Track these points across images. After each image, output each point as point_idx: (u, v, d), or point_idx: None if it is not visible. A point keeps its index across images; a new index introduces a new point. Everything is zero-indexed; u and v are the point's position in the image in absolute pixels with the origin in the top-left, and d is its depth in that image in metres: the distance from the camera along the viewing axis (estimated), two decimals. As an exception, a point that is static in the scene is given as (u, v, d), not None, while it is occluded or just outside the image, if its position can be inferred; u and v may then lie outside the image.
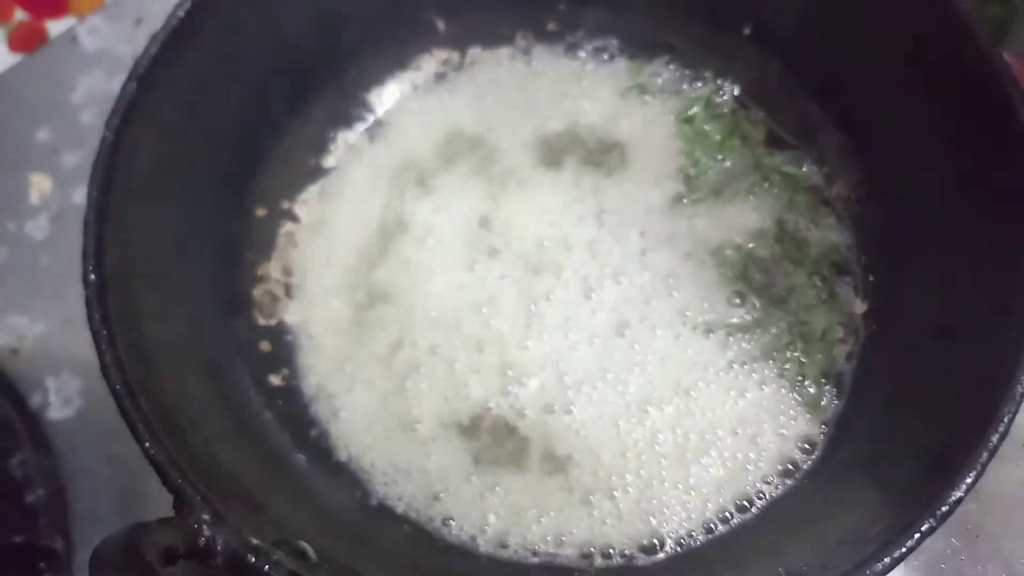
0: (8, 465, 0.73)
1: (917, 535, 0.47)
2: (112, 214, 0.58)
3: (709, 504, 0.66)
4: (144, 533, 0.45)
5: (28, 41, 0.98)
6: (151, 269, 0.62)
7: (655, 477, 0.67)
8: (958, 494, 0.48)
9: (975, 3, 0.81)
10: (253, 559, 0.48)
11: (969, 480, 0.48)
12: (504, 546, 0.66)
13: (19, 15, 1.00)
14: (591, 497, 0.66)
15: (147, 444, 0.51)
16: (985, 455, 0.49)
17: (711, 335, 0.70)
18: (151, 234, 0.63)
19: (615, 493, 0.66)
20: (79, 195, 0.85)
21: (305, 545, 0.53)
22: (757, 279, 0.72)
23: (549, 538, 0.66)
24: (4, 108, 0.91)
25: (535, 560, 0.65)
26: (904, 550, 0.47)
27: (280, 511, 0.58)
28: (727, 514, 0.65)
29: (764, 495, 0.65)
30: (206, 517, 0.49)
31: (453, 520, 0.67)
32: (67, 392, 0.80)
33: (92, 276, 0.55)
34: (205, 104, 0.67)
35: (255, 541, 0.49)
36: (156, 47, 0.62)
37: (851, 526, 0.55)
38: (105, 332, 0.54)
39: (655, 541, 0.65)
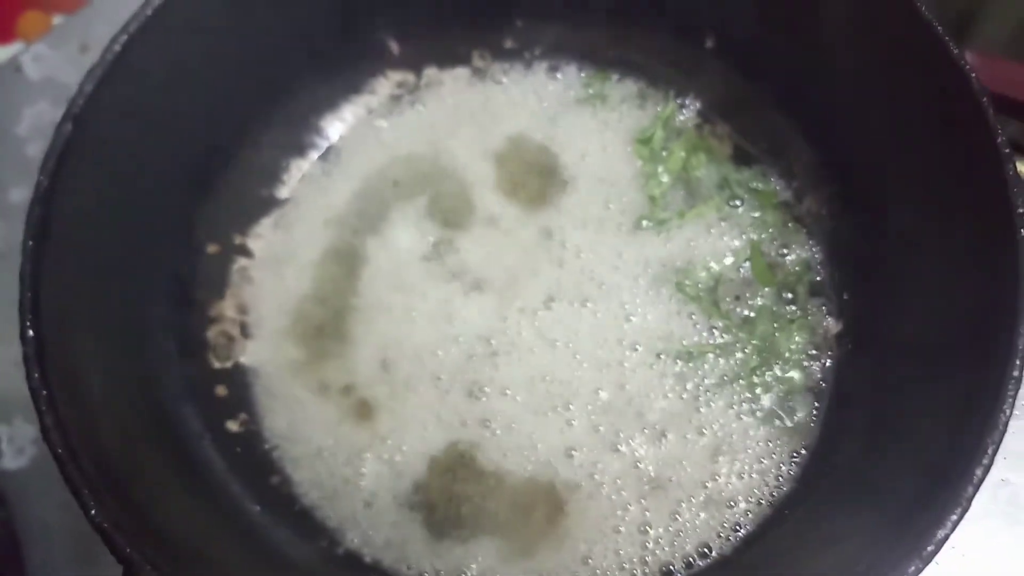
0: (-41, 519, 0.70)
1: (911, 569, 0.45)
2: (50, 263, 0.55)
3: (684, 541, 0.64)
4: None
5: (-31, 66, 0.95)
6: (95, 318, 0.59)
7: (620, 517, 0.65)
8: (944, 532, 0.46)
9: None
10: (208, 633, 0.45)
11: (955, 517, 0.46)
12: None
13: (-40, 43, 0.96)
14: (565, 539, 0.65)
15: (92, 512, 0.48)
16: (970, 490, 0.47)
17: (678, 362, 0.69)
18: (93, 280, 0.60)
19: (596, 539, 0.65)
20: None
21: (266, 607, 0.51)
22: (726, 301, 0.70)
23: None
24: (-56, 141, 0.87)
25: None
26: (891, 595, 0.45)
27: (238, 570, 0.56)
28: (704, 548, 0.63)
29: (742, 527, 0.63)
30: (156, 585, 0.46)
31: (434, 570, 0.64)
32: (20, 440, 0.76)
33: (30, 332, 0.53)
34: (148, 139, 0.64)
35: (209, 608, 0.46)
36: (91, 84, 0.59)
37: (834, 563, 0.53)
38: (45, 392, 0.51)
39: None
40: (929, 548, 0.46)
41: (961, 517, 0.47)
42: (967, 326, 0.56)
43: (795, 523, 0.61)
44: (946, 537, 0.46)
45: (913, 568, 0.45)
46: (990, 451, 0.48)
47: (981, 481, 0.47)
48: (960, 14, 0.85)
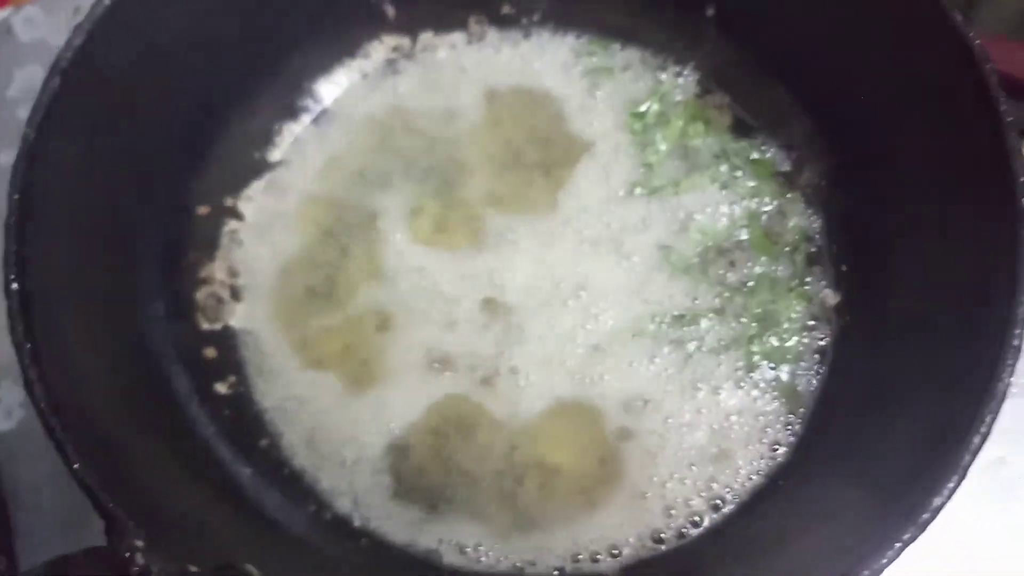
0: (-54, 481, 0.69)
1: (898, 544, 0.45)
2: (36, 218, 0.54)
3: (676, 508, 0.63)
4: (67, 567, 0.41)
5: (-40, 29, 0.93)
6: (81, 275, 0.58)
7: (616, 482, 0.64)
8: (940, 500, 0.46)
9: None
10: (191, 590, 0.45)
11: (951, 485, 0.46)
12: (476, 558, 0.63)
13: (-51, 4, 0.95)
14: (562, 510, 0.64)
15: (76, 466, 0.47)
16: (967, 458, 0.46)
17: (670, 327, 0.68)
18: (81, 237, 0.59)
19: (585, 501, 0.64)
20: None
21: (251, 569, 0.50)
22: (718, 268, 0.69)
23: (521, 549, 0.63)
24: (-68, 102, 0.86)
25: (502, 569, 0.63)
26: (884, 561, 0.45)
27: (225, 532, 0.55)
28: (696, 518, 0.63)
29: (735, 497, 0.63)
30: (139, 544, 0.46)
31: (423, 535, 0.64)
32: (8, 403, 0.76)
33: (14, 286, 0.52)
34: (138, 97, 0.63)
35: (193, 569, 0.46)
36: (80, 38, 0.58)
37: (829, 536, 0.52)
38: (29, 346, 0.50)
39: (619, 547, 0.62)
40: (924, 516, 0.45)
41: (958, 485, 0.46)
42: (966, 296, 0.55)
43: (789, 493, 0.61)
44: (942, 505, 0.46)
45: (908, 535, 0.45)
46: (988, 419, 0.47)
47: (978, 449, 0.47)
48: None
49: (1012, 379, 0.48)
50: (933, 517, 0.46)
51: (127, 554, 0.45)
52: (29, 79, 0.86)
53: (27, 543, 0.71)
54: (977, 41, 0.56)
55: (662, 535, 0.63)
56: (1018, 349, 0.48)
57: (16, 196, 0.54)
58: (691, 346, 0.67)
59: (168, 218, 0.69)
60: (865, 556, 0.45)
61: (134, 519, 0.47)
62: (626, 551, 0.62)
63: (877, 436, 0.57)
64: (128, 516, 0.46)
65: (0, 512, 0.71)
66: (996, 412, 0.47)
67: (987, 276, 0.53)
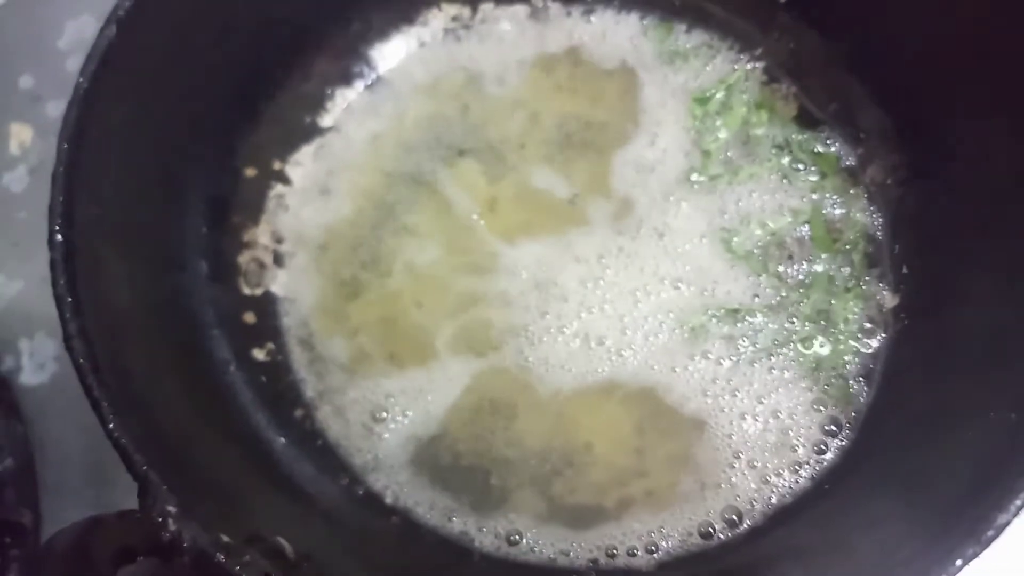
0: (-26, 432, 0.69)
1: (959, 561, 0.43)
2: (84, 169, 0.53)
3: (716, 507, 0.62)
4: (99, 529, 0.40)
5: (14, -21, 0.93)
6: (126, 231, 0.58)
7: (656, 476, 0.63)
8: (1006, 518, 0.43)
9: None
10: (222, 558, 0.43)
11: (1019, 502, 0.44)
12: (510, 544, 0.62)
13: (3, -48, 0.94)
14: (602, 500, 0.63)
15: (111, 425, 0.46)
16: (1035, 474, 0.44)
17: (723, 321, 0.66)
18: (128, 192, 0.58)
19: (627, 493, 0.63)
20: None
21: (282, 542, 0.49)
22: (780, 265, 0.67)
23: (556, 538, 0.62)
24: (-15, 52, 0.85)
25: (534, 559, 0.61)
26: (942, 578, 0.43)
27: (257, 502, 0.55)
28: (735, 517, 0.61)
29: (779, 500, 0.61)
30: (172, 509, 0.45)
31: (456, 516, 0.63)
32: (41, 356, 0.75)
33: (59, 237, 0.51)
34: (193, 53, 0.62)
35: (225, 538, 0.45)
36: (139, -13, 0.56)
37: (879, 545, 0.50)
38: (70, 299, 0.50)
39: (657, 544, 0.61)
40: (989, 533, 0.43)
41: (1017, 513, 0.44)
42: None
43: (835, 499, 0.59)
44: (1007, 523, 0.43)
45: (971, 552, 0.43)
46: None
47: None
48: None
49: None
50: (997, 534, 0.43)
51: (159, 519, 0.44)
52: (80, 30, 0.86)
53: (53, 499, 0.71)
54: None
55: (700, 533, 0.61)
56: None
57: (65, 146, 0.53)
58: (743, 341, 0.65)
59: (216, 178, 0.68)
60: (924, 571, 0.43)
61: (167, 483, 0.45)
62: (663, 548, 0.61)
63: (935, 447, 0.55)
64: (162, 480, 0.45)
65: (27, 467, 0.71)
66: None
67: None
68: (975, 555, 0.43)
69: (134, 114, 0.58)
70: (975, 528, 0.44)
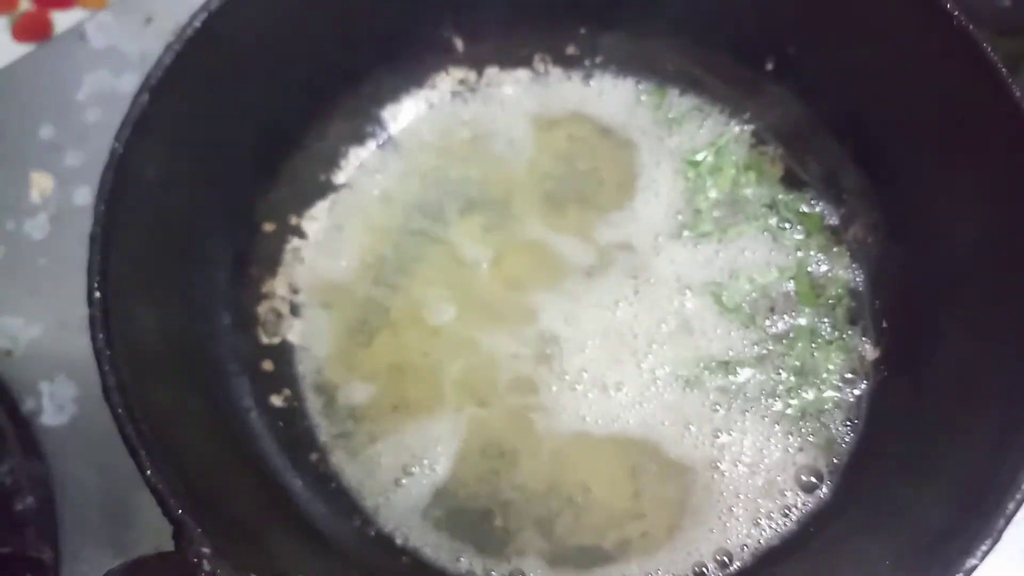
0: (-2, 472, 0.71)
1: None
2: (118, 228, 0.56)
3: (708, 550, 0.65)
4: (144, 569, 0.44)
5: (33, 31, 0.96)
6: (156, 286, 0.61)
7: (661, 520, 0.66)
8: (973, 562, 0.47)
9: (991, 38, 0.81)
10: (253, 596, 0.47)
11: (985, 548, 0.47)
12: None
13: (24, 4, 0.98)
14: (600, 541, 0.66)
15: (148, 472, 0.50)
16: (1002, 522, 0.48)
17: (711, 375, 0.70)
18: (156, 249, 0.61)
19: (624, 535, 0.66)
20: (80, 196, 0.84)
21: (304, 580, 0.52)
22: (767, 319, 0.71)
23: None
24: (7, 102, 0.88)
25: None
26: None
27: (279, 543, 0.57)
28: (725, 559, 0.64)
29: (766, 543, 0.65)
30: (206, 551, 0.48)
31: (464, 557, 0.66)
32: (61, 398, 0.78)
33: (97, 294, 0.54)
34: (218, 117, 0.66)
35: (254, 577, 0.48)
36: (170, 58, 0.60)
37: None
38: (108, 353, 0.52)
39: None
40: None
41: (991, 548, 0.48)
42: (1009, 361, 0.57)
43: (820, 542, 0.62)
44: (974, 567, 0.47)
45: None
46: (1024, 485, 0.49)
47: (1013, 515, 0.48)
48: (1012, 55, 0.86)
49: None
50: (967, 576, 0.47)
51: (195, 560, 0.47)
52: (98, 83, 0.89)
53: (73, 536, 0.73)
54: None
55: (693, 573, 0.64)
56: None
57: (103, 207, 0.56)
58: (734, 391, 0.69)
59: (236, 233, 0.71)
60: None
61: (201, 526, 0.49)
62: (658, 587, 0.64)
63: (912, 492, 0.59)
64: (196, 523, 0.48)
65: (47, 505, 0.73)
66: (1034, 477, 0.49)
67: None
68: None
69: (163, 175, 0.61)
70: (946, 572, 0.48)
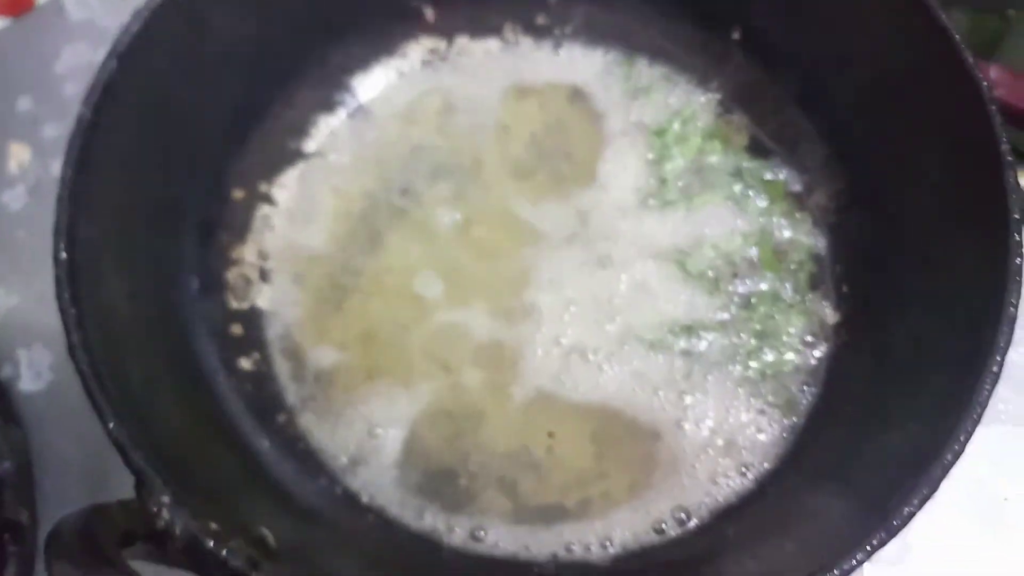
0: (-25, 436, 0.72)
1: (868, 547, 0.48)
2: (86, 193, 0.58)
3: (667, 507, 0.67)
4: (102, 515, 0.45)
5: (14, 4, 0.97)
6: (124, 249, 0.62)
7: (623, 479, 0.68)
8: (911, 509, 0.49)
9: (969, 15, 0.82)
10: (211, 543, 0.48)
11: (924, 494, 0.49)
12: (476, 539, 0.66)
13: (6, -23, 0.98)
14: (563, 499, 0.68)
15: (111, 425, 0.51)
16: (940, 472, 0.50)
17: (676, 339, 0.71)
18: (125, 214, 0.62)
19: (586, 494, 0.68)
20: (58, 167, 0.81)
21: (265, 532, 0.53)
22: (730, 284, 0.72)
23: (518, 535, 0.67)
24: (-14, 75, 0.90)
25: (499, 553, 0.66)
26: (855, 562, 0.48)
27: (243, 498, 0.59)
28: (683, 515, 0.66)
29: (724, 500, 0.66)
30: (166, 500, 0.49)
31: (428, 515, 0.67)
32: (38, 365, 0.79)
33: (63, 255, 0.55)
34: (187, 84, 0.66)
35: (214, 526, 0.49)
36: (138, 24, 0.61)
37: (809, 536, 0.55)
38: (74, 312, 0.54)
39: (612, 539, 0.66)
40: (896, 522, 0.49)
41: (929, 496, 0.49)
42: (957, 324, 0.58)
43: (775, 499, 0.64)
44: (912, 514, 0.49)
45: (878, 540, 0.48)
46: (962, 438, 0.50)
47: (951, 465, 0.50)
48: (993, 33, 0.87)
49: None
50: (903, 524, 0.49)
51: (155, 508, 0.48)
52: (77, 55, 0.90)
53: (49, 500, 0.74)
54: (985, 83, 0.59)
55: (652, 530, 0.66)
56: (996, 376, 0.51)
57: (70, 172, 0.57)
58: (696, 355, 0.71)
59: (206, 200, 0.72)
60: (837, 556, 0.49)
61: (162, 477, 0.50)
62: (617, 543, 0.65)
63: (865, 450, 0.60)
64: (156, 474, 0.50)
65: (25, 469, 0.75)
66: (971, 432, 0.50)
67: (976, 305, 0.56)
68: (883, 543, 0.49)
69: (131, 142, 0.62)
70: (886, 518, 0.49)
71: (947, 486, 0.51)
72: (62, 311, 0.54)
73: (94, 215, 0.58)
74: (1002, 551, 0.70)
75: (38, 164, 0.86)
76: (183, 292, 0.69)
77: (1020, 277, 0.54)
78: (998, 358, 0.52)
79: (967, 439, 0.50)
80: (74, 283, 0.55)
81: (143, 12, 0.61)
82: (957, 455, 0.50)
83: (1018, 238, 0.55)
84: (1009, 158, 0.57)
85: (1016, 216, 0.55)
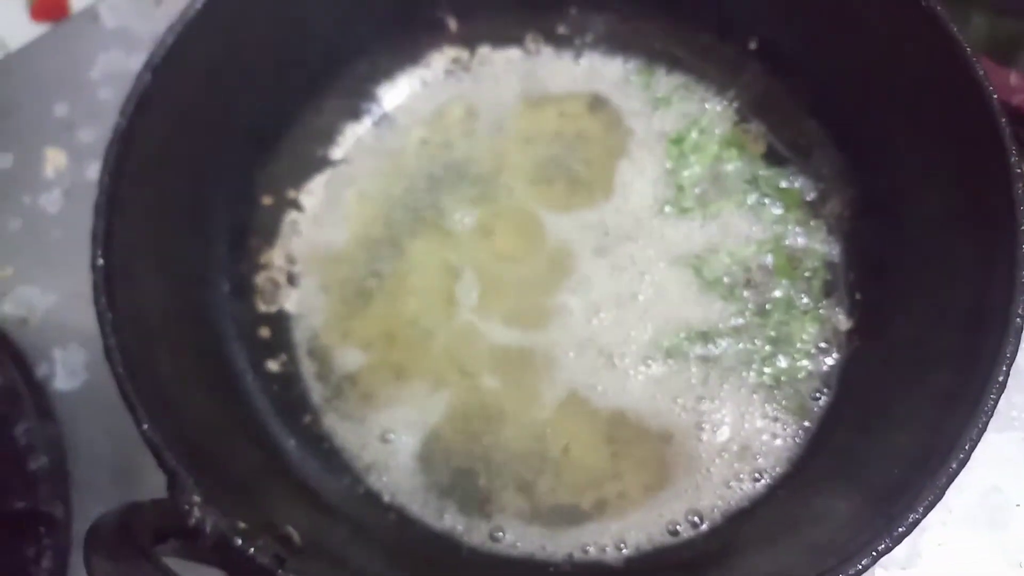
0: (13, 432, 0.75)
1: (874, 552, 0.49)
2: (122, 199, 0.60)
3: (681, 510, 0.68)
4: (138, 513, 0.47)
5: (50, 11, 0.99)
6: (157, 254, 0.64)
7: (638, 481, 0.69)
8: (916, 516, 0.50)
9: (990, 20, 0.82)
10: (239, 541, 0.50)
11: (928, 502, 0.50)
12: (494, 540, 0.68)
13: (40, -16, 1.01)
14: (579, 501, 0.69)
15: (145, 426, 0.53)
16: (944, 480, 0.51)
17: (691, 345, 0.72)
18: (159, 219, 0.64)
19: (602, 495, 0.69)
20: (92, 171, 0.86)
21: (291, 530, 0.55)
22: (745, 291, 0.73)
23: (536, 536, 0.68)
24: (23, 81, 0.92)
25: (516, 553, 0.67)
26: (860, 567, 0.49)
27: (270, 496, 0.60)
28: (696, 519, 0.67)
29: (736, 504, 0.67)
30: (197, 499, 0.51)
31: (448, 514, 0.69)
32: (73, 364, 0.81)
33: (100, 261, 0.57)
34: (219, 94, 0.69)
35: (242, 525, 0.51)
36: (172, 38, 0.63)
37: (817, 538, 0.57)
38: (110, 316, 0.56)
39: (626, 541, 0.67)
40: (900, 529, 0.50)
41: (934, 504, 0.50)
42: (967, 332, 0.59)
43: (785, 502, 0.65)
44: (917, 521, 0.50)
45: (883, 546, 0.49)
46: (967, 447, 0.51)
47: (956, 473, 0.51)
48: (1012, 39, 0.87)
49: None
50: (908, 531, 0.50)
51: (186, 507, 0.50)
52: (111, 63, 0.92)
53: (83, 495, 0.77)
54: (995, 94, 0.60)
55: (665, 531, 0.67)
56: (1003, 385, 0.53)
57: (107, 179, 0.59)
58: (712, 361, 0.72)
59: (236, 205, 0.74)
60: (843, 561, 0.50)
61: (193, 477, 0.52)
62: (631, 545, 0.67)
63: (874, 454, 0.61)
64: (188, 474, 0.52)
65: (60, 464, 0.77)
66: (976, 440, 0.51)
67: (984, 315, 0.57)
68: (888, 549, 0.49)
69: (165, 150, 0.64)
70: (890, 524, 0.50)
71: (958, 491, 0.52)
72: (99, 315, 0.56)
73: (129, 221, 0.60)
74: (1013, 557, 0.70)
75: (74, 168, 0.89)
76: (214, 295, 0.71)
77: (1028, 289, 0.55)
78: (1004, 368, 0.53)
79: (972, 447, 0.51)
80: (110, 288, 0.57)
81: (177, 25, 0.63)
82: (962, 463, 0.51)
83: (1026, 250, 0.56)
84: (1018, 170, 0.58)
85: (1024, 228, 0.56)
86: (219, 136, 0.70)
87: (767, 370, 0.71)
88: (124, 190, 0.60)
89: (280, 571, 0.50)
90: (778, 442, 0.69)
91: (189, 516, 0.50)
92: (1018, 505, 0.72)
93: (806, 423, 0.69)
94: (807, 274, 0.74)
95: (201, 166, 0.69)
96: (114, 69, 0.92)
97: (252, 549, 0.50)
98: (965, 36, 0.61)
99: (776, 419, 0.70)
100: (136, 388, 0.54)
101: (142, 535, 0.45)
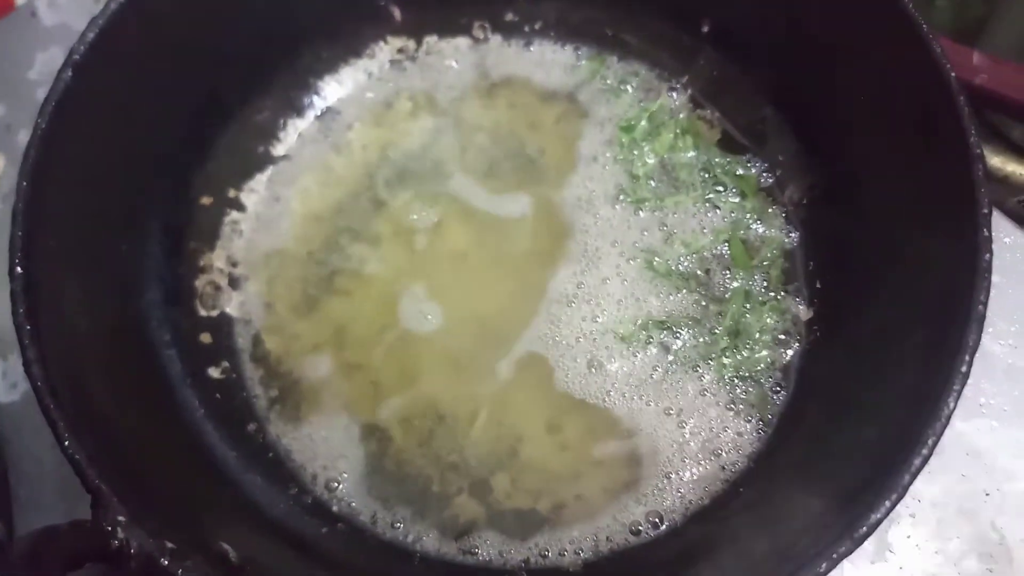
0: (-48, 448, 0.72)
1: (834, 556, 0.47)
2: (44, 205, 0.57)
3: (641, 510, 0.66)
4: (53, 537, 0.44)
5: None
6: (85, 260, 0.61)
7: (596, 482, 0.67)
8: (877, 517, 0.48)
9: (954, 1, 0.81)
10: (166, 562, 0.48)
11: (889, 503, 0.48)
12: (447, 548, 0.66)
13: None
14: (536, 504, 0.67)
15: (66, 442, 0.50)
16: (907, 478, 0.49)
17: (649, 337, 0.70)
18: (86, 224, 0.62)
19: (560, 498, 0.67)
20: None
21: (227, 547, 0.53)
22: (701, 280, 0.71)
23: (489, 542, 0.66)
24: (-41, 83, 0.89)
25: (471, 561, 0.65)
26: (821, 570, 0.47)
27: (205, 511, 0.58)
28: (656, 519, 0.65)
29: (698, 501, 0.65)
30: (121, 519, 0.48)
31: (400, 523, 0.66)
32: (14, 376, 0.78)
33: (19, 269, 0.54)
34: (149, 91, 0.66)
35: (170, 545, 0.48)
36: (93, 33, 0.60)
37: (779, 540, 0.55)
38: (29, 327, 0.53)
39: (584, 545, 0.65)
40: (862, 530, 0.48)
41: (895, 503, 0.48)
42: (927, 322, 0.57)
43: (747, 500, 0.63)
44: (879, 521, 0.48)
45: (844, 548, 0.47)
46: (930, 442, 0.49)
47: (919, 470, 0.49)
48: (977, 20, 0.86)
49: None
50: (870, 532, 0.48)
51: (109, 528, 0.48)
52: (50, 61, 0.89)
53: (27, 512, 0.74)
54: (954, 75, 0.58)
55: (627, 532, 0.65)
56: (966, 376, 0.50)
57: (25, 183, 0.56)
58: (669, 353, 0.70)
59: (172, 207, 0.72)
60: (804, 564, 0.48)
61: (118, 495, 0.49)
62: (590, 548, 0.65)
63: (836, 449, 0.59)
64: (112, 492, 0.49)
65: (1, 481, 0.74)
66: (939, 435, 0.49)
67: (946, 302, 0.55)
68: (849, 551, 0.47)
69: (92, 151, 0.62)
70: (852, 525, 0.48)
71: (928, 481, 0.50)
72: (17, 327, 0.53)
73: (53, 227, 0.58)
74: (982, 547, 0.69)
75: (12, 172, 0.85)
76: (148, 302, 0.68)
77: (989, 275, 0.53)
78: (967, 357, 0.51)
79: (935, 443, 0.49)
80: (31, 297, 0.54)
81: (99, 19, 0.61)
82: (925, 459, 0.49)
83: (987, 234, 0.54)
84: (978, 151, 0.56)
85: (985, 211, 0.54)
86: (150, 135, 0.68)
87: (726, 360, 0.69)
88: (46, 195, 0.57)
89: (211, 592, 0.48)
90: (740, 436, 0.67)
91: (112, 537, 0.48)
92: (987, 494, 0.70)
93: (768, 416, 0.67)
94: (765, 263, 0.72)
95: (132, 168, 0.66)
96: (53, 68, 0.86)
97: (180, 571, 0.47)
98: (928, 18, 0.59)
99: (738, 413, 0.68)
100: (58, 402, 0.52)
101: (52, 563, 0.42)
